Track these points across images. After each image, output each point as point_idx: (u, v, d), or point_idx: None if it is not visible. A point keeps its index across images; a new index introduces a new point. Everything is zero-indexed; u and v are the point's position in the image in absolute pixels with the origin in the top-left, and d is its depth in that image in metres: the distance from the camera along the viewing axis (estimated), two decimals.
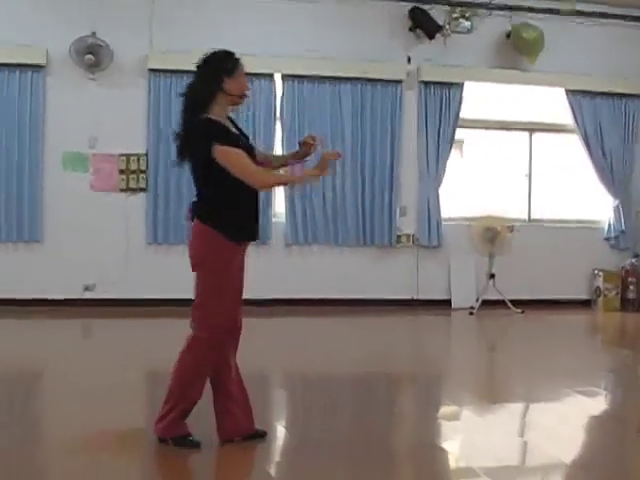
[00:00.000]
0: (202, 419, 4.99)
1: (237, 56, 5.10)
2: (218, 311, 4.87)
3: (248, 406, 5.07)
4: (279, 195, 11.57)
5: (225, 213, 4.85)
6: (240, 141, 4.92)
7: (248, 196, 4.92)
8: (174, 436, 4.87)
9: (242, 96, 5.03)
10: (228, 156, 4.74)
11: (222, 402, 5.01)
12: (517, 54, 12.06)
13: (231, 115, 5.16)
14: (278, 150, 11.30)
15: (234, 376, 5.02)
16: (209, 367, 4.90)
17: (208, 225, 4.84)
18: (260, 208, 5.17)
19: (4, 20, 10.80)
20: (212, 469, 4.76)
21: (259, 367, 7.56)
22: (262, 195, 11.22)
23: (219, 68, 4.97)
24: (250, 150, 4.97)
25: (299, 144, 5.28)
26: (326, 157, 4.93)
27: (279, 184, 5.04)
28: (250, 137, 5.24)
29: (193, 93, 4.96)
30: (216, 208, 4.88)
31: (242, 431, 5.03)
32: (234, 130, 5.00)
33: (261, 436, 5.13)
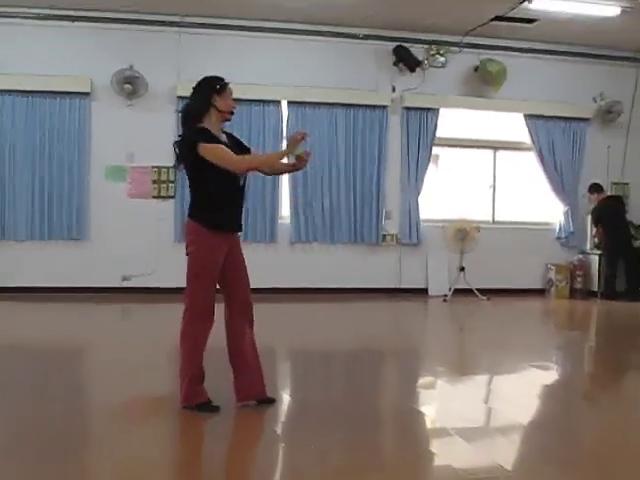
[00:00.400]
0: (221, 388, 4.98)
1: (225, 80, 5.11)
2: (198, 290, 4.96)
3: (261, 374, 5.09)
4: (285, 201, 11.59)
5: (207, 209, 4.95)
6: (222, 143, 4.90)
7: (229, 194, 4.97)
8: (197, 403, 4.87)
9: (230, 112, 5.04)
10: (211, 150, 4.78)
11: (239, 368, 5.05)
12: (483, 84, 12.07)
13: (228, 131, 5.17)
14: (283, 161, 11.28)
15: (248, 346, 5.07)
16: (200, 333, 4.96)
17: (195, 220, 4.98)
18: (242, 205, 5.13)
19: (57, 55, 10.79)
20: (229, 428, 4.74)
21: (266, 344, 7.54)
22: (269, 200, 11.31)
23: (210, 88, 5.01)
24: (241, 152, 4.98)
25: (288, 144, 5.17)
26: (294, 139, 4.97)
27: (255, 165, 5.03)
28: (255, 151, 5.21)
29: (189, 108, 5.04)
30: (201, 205, 5.00)
31: (256, 395, 5.07)
32: (224, 140, 4.98)
33: (271, 402, 5.14)
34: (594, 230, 12.28)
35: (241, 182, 5.02)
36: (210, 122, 4.94)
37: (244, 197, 5.18)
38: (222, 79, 5.11)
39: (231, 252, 5.01)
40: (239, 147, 5.09)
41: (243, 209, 5.18)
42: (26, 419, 4.73)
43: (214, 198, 4.94)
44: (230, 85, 5.09)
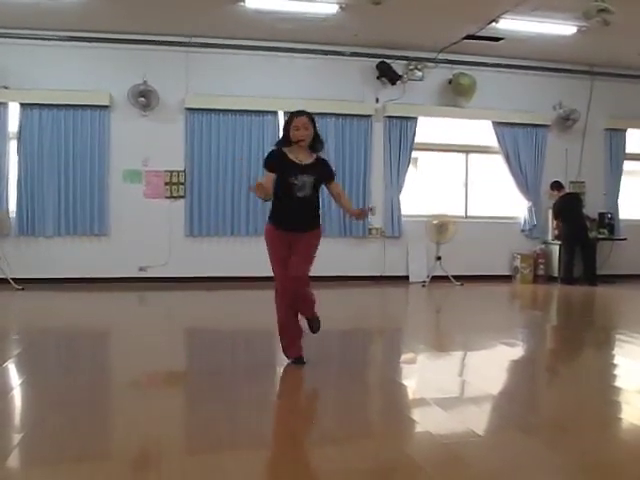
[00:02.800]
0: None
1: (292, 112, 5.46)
2: (273, 270, 5.45)
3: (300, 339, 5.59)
4: None
5: (271, 210, 5.42)
6: (275, 164, 5.29)
7: (283, 202, 5.30)
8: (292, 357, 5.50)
9: (296, 140, 5.26)
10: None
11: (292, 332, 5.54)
12: (456, 95, 12.06)
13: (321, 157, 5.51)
14: None
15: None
16: (280, 304, 5.44)
17: (268, 216, 5.47)
18: (299, 211, 5.34)
19: (80, 73, 10.77)
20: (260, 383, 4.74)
21: (269, 326, 7.58)
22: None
23: (286, 121, 5.41)
24: (289, 169, 5.25)
25: (363, 209, 5.61)
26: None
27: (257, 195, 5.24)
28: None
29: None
30: (272, 206, 5.40)
31: (298, 353, 5.53)
32: (295, 161, 5.28)
33: (302, 362, 5.49)
34: (555, 222, 12.32)
35: (299, 194, 5.25)
36: (290, 148, 5.31)
37: (304, 206, 5.33)
38: (291, 113, 5.44)
39: (294, 246, 5.30)
40: (325, 171, 5.45)
41: (304, 214, 5.37)
42: (60, 390, 4.76)
43: (274, 205, 5.39)
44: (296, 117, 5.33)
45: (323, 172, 5.40)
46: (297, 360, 5.49)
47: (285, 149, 5.29)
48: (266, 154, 5.41)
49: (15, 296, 9.83)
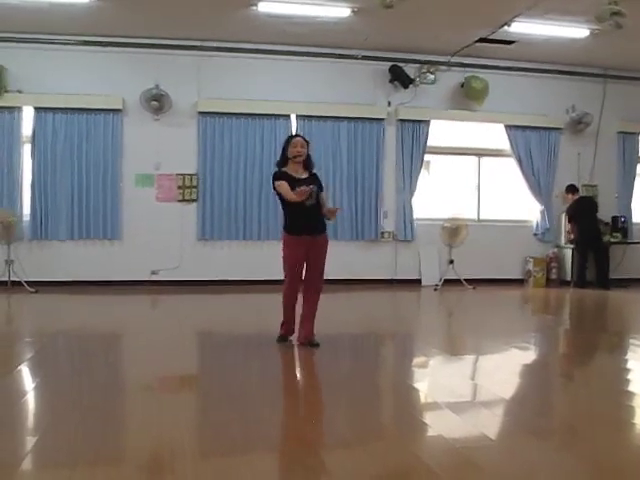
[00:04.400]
0: None
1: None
2: (286, 273, 6.34)
3: (312, 324, 6.39)
4: None
5: (286, 220, 6.40)
6: (296, 180, 6.18)
7: (296, 212, 6.21)
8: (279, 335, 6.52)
9: (294, 156, 6.26)
10: (277, 185, 6.21)
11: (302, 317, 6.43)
12: (469, 99, 12.06)
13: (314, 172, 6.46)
14: None
15: (309, 304, 6.42)
16: (287, 300, 6.39)
17: (283, 228, 6.47)
18: (310, 218, 6.25)
19: (93, 77, 10.87)
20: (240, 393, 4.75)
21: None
22: (280, 201, 11.31)
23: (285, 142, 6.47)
24: (295, 183, 6.12)
25: (328, 212, 6.39)
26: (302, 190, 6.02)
27: (291, 199, 6.11)
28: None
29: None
30: (284, 218, 6.43)
31: (309, 338, 6.32)
32: (295, 175, 6.25)
33: (316, 345, 6.25)
34: (569, 226, 12.28)
35: (307, 203, 6.11)
36: (287, 167, 6.31)
37: (313, 212, 6.23)
38: (288, 137, 6.64)
39: (310, 249, 6.23)
40: (318, 181, 6.37)
41: (313, 219, 6.28)
42: (73, 393, 4.79)
43: (288, 213, 6.34)
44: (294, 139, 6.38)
45: (318, 182, 6.37)
46: (281, 338, 6.50)
47: (284, 169, 6.27)
48: (272, 175, 6.32)
49: (29, 299, 9.89)
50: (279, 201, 6.40)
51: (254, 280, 11.05)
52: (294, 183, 6.10)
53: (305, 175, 6.31)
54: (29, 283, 10.32)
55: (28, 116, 10.82)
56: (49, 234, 10.87)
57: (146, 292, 10.61)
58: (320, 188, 6.34)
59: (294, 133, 6.66)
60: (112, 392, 4.96)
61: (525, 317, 9.93)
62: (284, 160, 6.31)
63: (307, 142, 6.40)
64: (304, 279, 6.37)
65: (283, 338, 6.50)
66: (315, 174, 6.45)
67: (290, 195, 6.03)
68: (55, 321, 8.20)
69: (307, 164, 6.37)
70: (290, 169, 6.27)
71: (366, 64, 11.74)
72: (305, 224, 6.22)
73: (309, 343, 6.27)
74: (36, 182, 10.81)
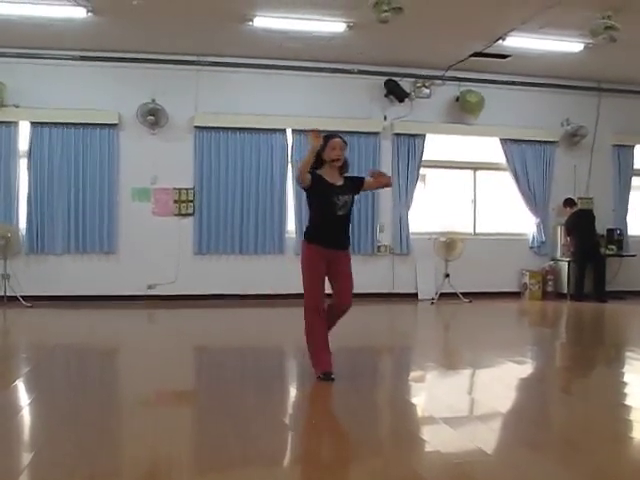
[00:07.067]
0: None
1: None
2: (306, 288, 5.57)
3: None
4: (290, 218, 11.59)
5: (310, 226, 5.72)
6: (332, 185, 5.60)
7: (325, 221, 5.60)
8: (319, 372, 5.56)
9: (332, 160, 5.61)
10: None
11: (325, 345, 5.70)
12: (464, 113, 12.11)
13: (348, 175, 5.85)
14: (289, 185, 11.45)
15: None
16: (311, 323, 5.58)
17: (303, 235, 5.73)
18: (339, 229, 5.70)
19: (89, 92, 10.88)
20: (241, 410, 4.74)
21: (278, 343, 7.58)
22: (277, 217, 11.32)
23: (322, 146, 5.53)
24: (329, 190, 5.57)
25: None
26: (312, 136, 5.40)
27: (298, 171, 5.55)
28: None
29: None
30: (307, 227, 5.76)
31: (328, 368, 5.60)
32: (330, 181, 5.60)
33: (332, 378, 5.56)
34: (567, 239, 12.30)
35: (339, 213, 5.59)
36: (322, 170, 5.61)
37: (342, 224, 5.70)
38: (326, 135, 5.64)
39: (333, 264, 5.59)
40: (355, 182, 5.83)
41: (340, 231, 5.71)
42: (70, 409, 4.78)
43: (313, 222, 5.72)
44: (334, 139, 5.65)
45: (355, 185, 5.80)
46: (326, 375, 5.55)
47: (318, 171, 5.57)
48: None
49: (24, 313, 9.87)
50: (307, 205, 5.82)
51: (251, 294, 11.04)
52: (334, 191, 5.56)
53: (341, 182, 5.67)
54: (25, 298, 10.31)
55: (25, 131, 10.84)
56: (45, 248, 10.86)
57: (143, 307, 10.59)
58: (361, 182, 5.87)
59: (333, 133, 5.90)
60: (109, 407, 4.94)
61: (522, 330, 9.93)
62: (319, 162, 5.57)
63: (345, 143, 5.76)
64: (332, 294, 5.70)
65: (327, 375, 5.56)
66: (347, 177, 5.82)
67: (305, 158, 5.45)
68: (51, 336, 8.19)
69: (344, 168, 5.75)
70: (326, 173, 5.61)
71: (362, 78, 11.78)
72: (334, 236, 5.61)
73: (330, 374, 5.64)
74: (32, 196, 10.81)
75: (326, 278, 5.64)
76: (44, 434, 4.21)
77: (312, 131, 5.39)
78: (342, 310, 5.70)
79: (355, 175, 5.99)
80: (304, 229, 5.86)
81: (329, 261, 5.57)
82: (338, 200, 5.56)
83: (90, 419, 4.52)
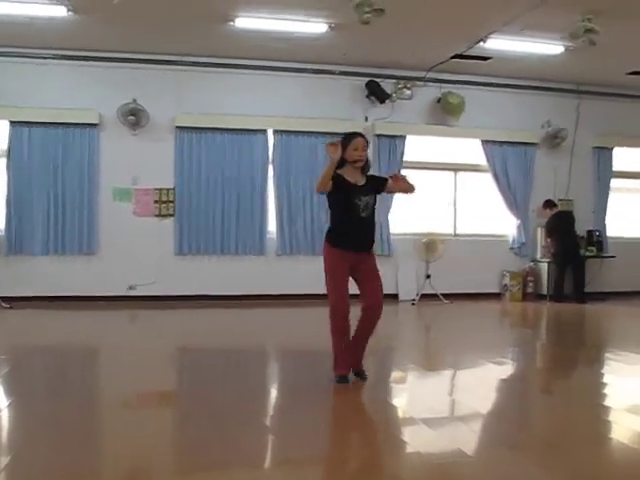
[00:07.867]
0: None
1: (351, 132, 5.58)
2: (330, 292, 5.58)
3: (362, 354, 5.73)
4: (272, 218, 11.56)
5: (332, 228, 5.54)
6: (354, 185, 5.41)
7: (348, 223, 5.42)
8: (336, 376, 5.51)
9: (354, 161, 5.40)
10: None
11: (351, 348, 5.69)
12: (445, 114, 12.15)
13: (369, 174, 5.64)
14: (270, 186, 11.46)
15: (359, 333, 5.79)
16: (335, 324, 5.65)
17: (325, 238, 5.56)
18: (361, 230, 5.48)
19: (69, 91, 10.82)
20: (223, 412, 4.71)
21: (259, 344, 7.55)
22: (257, 218, 11.29)
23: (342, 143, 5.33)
24: (351, 191, 5.39)
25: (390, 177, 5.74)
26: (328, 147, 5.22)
27: (324, 181, 5.27)
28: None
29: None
30: (329, 229, 5.57)
31: (356, 367, 5.68)
32: (352, 181, 5.41)
33: (365, 378, 5.65)
34: (548, 240, 12.36)
35: (362, 215, 5.41)
36: (344, 169, 5.38)
37: (367, 225, 5.51)
38: (347, 134, 5.51)
39: (358, 265, 5.51)
40: (378, 182, 5.63)
41: (363, 234, 5.52)
42: (49, 411, 4.72)
43: (334, 225, 5.54)
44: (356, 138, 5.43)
45: (377, 185, 5.62)
46: (341, 379, 5.55)
47: (339, 171, 5.36)
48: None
49: (3, 315, 9.77)
50: (328, 207, 5.61)
51: (233, 295, 11.00)
52: (356, 192, 5.38)
53: (363, 182, 5.49)
54: (4, 299, 10.21)
55: (4, 130, 10.74)
56: (24, 249, 10.76)
57: (123, 307, 10.52)
58: (384, 182, 5.67)
59: (356, 131, 5.69)
60: (89, 409, 4.91)
61: (502, 331, 9.96)
62: (340, 161, 5.31)
63: (368, 142, 5.56)
64: (360, 296, 5.70)
65: (343, 378, 5.54)
66: (369, 176, 5.64)
67: (325, 172, 5.23)
68: (30, 337, 8.11)
69: (365, 168, 5.56)
70: (347, 173, 5.41)
71: (344, 79, 11.79)
72: (359, 239, 5.47)
73: (355, 373, 5.70)
74: (12, 197, 10.71)
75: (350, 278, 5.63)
76: (22, 436, 4.17)
77: (330, 144, 5.20)
78: (375, 314, 5.73)
79: (378, 175, 5.87)
80: (326, 230, 5.66)
81: (354, 263, 5.49)
82: (360, 201, 5.39)
83: (69, 421, 4.48)
